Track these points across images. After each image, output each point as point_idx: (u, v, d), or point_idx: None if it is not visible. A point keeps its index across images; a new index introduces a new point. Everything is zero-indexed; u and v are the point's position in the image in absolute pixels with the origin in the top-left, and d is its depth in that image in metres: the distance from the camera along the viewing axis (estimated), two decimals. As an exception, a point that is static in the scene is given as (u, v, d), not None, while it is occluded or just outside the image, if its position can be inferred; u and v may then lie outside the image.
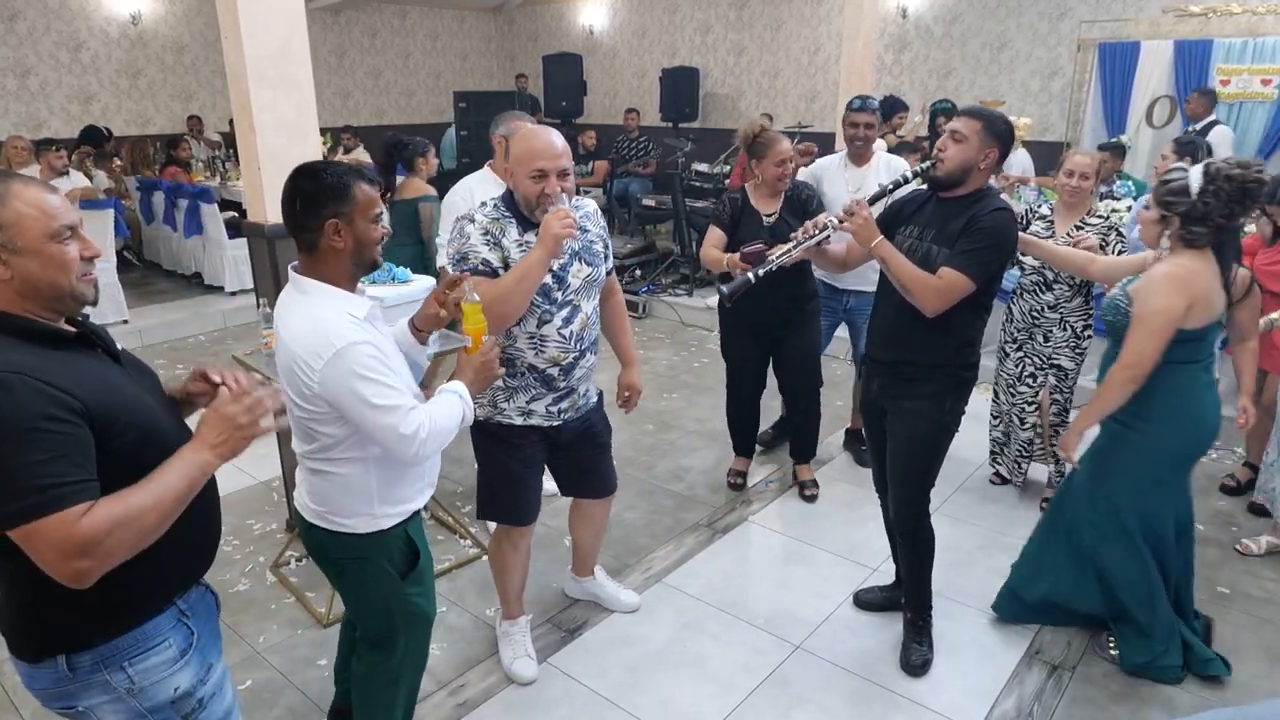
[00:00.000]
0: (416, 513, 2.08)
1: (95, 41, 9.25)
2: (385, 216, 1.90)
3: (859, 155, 3.92)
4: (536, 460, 2.55)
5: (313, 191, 1.77)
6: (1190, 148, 3.83)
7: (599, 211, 2.53)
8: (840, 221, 2.50)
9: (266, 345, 2.86)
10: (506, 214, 2.32)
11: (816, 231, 2.53)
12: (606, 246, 2.49)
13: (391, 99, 12.09)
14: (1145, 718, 2.55)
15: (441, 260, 3.34)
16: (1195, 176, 2.35)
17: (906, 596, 2.83)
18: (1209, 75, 6.97)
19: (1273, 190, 3.38)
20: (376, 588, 2.02)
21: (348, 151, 8.71)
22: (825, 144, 6.61)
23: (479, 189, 3.32)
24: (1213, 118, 6.62)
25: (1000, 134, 2.39)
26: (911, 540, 2.73)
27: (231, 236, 7.01)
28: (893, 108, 7.09)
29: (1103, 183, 5.60)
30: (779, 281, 3.24)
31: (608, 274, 2.52)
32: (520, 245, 2.30)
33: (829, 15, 9.52)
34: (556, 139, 2.25)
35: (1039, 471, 3.94)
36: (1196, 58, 7.00)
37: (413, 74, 12.26)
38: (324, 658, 2.80)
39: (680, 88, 10.03)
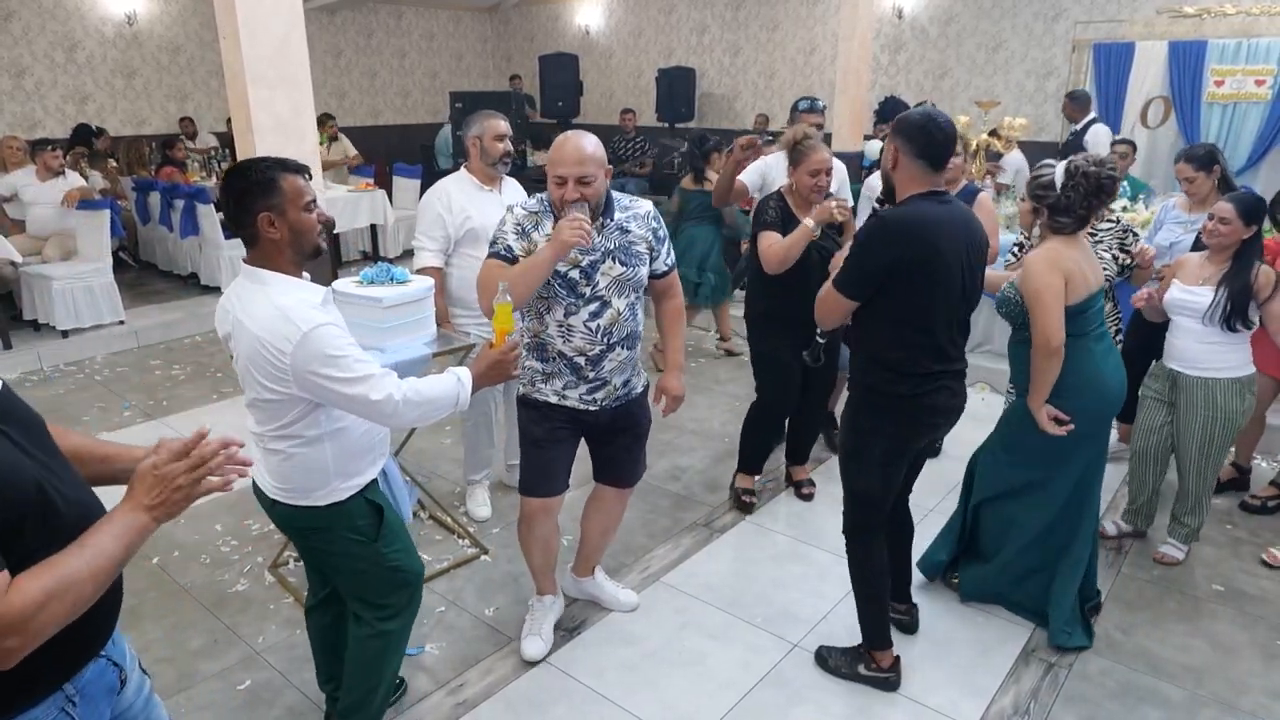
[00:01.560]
0: (373, 480, 2.18)
1: (90, 41, 9.23)
2: (321, 201, 2.02)
3: None
4: (562, 436, 2.61)
5: (242, 189, 1.86)
6: (1206, 160, 3.74)
7: (652, 215, 2.56)
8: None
9: None
10: (546, 209, 2.48)
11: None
12: (654, 250, 2.54)
13: (387, 99, 12.08)
14: (1141, 715, 2.57)
15: (423, 261, 3.34)
16: (1059, 173, 2.64)
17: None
18: (1203, 76, 7.01)
19: None
20: (345, 553, 2.12)
21: (334, 140, 8.70)
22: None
23: (455, 190, 3.32)
24: (1091, 116, 6.68)
25: (899, 129, 2.29)
26: (847, 553, 2.65)
27: (228, 237, 6.99)
28: (893, 109, 7.12)
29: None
30: (810, 303, 3.35)
31: (659, 276, 2.60)
32: (550, 239, 2.41)
33: (825, 16, 9.55)
34: (583, 146, 2.35)
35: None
36: (1191, 58, 7.02)
37: (409, 74, 12.26)
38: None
39: (676, 88, 10.05)
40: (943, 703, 2.61)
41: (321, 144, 8.32)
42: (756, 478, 3.84)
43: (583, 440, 2.71)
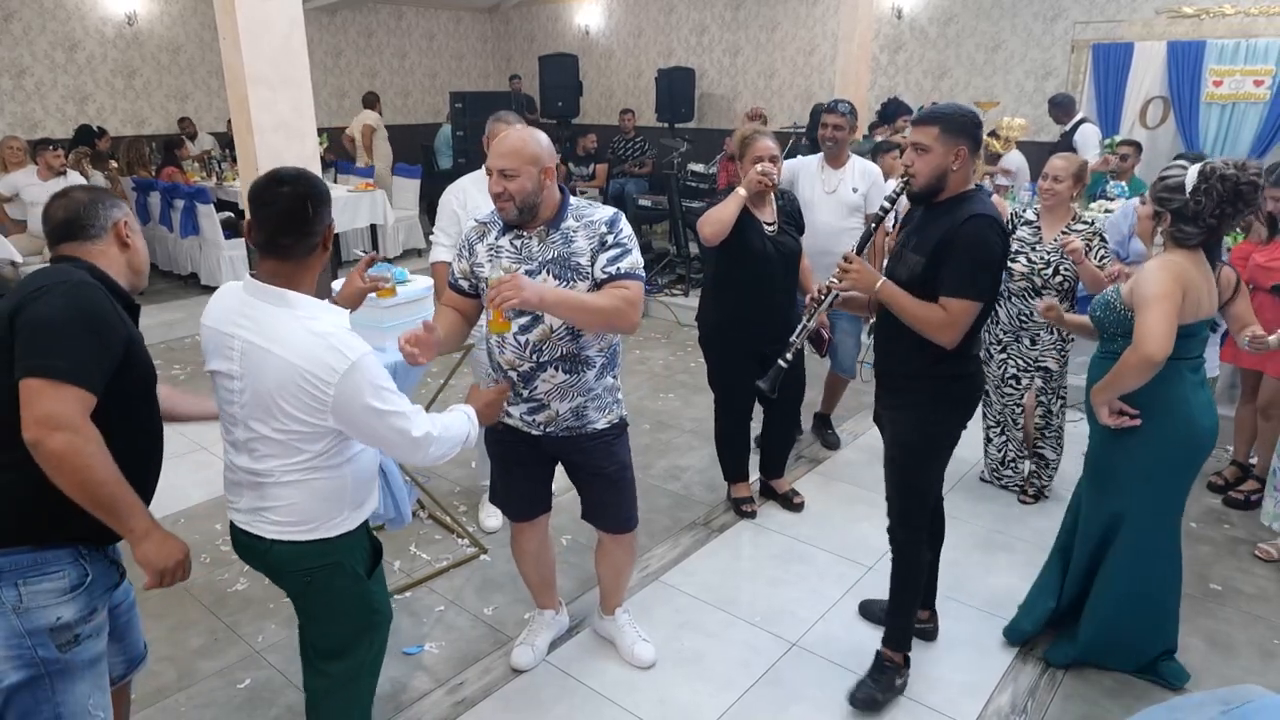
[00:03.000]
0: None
1: (91, 42, 9.24)
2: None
3: (834, 156, 4.00)
4: (520, 458, 2.51)
5: (313, 195, 1.78)
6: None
7: (605, 222, 2.27)
8: (840, 279, 2.43)
9: None
10: (495, 219, 2.35)
11: (822, 298, 2.54)
12: (594, 258, 2.24)
13: (388, 99, 12.06)
14: (1138, 713, 2.57)
15: (435, 256, 3.35)
16: (1191, 175, 2.36)
17: (887, 628, 2.66)
18: (1202, 76, 7.02)
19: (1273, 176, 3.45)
20: (344, 591, 1.98)
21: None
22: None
23: (473, 189, 3.34)
24: (1080, 116, 6.68)
25: (961, 127, 2.29)
26: (894, 551, 2.60)
27: (228, 237, 7.01)
28: (896, 110, 7.12)
29: (1115, 180, 5.63)
30: (769, 304, 3.41)
31: (599, 285, 2.25)
32: (491, 249, 2.32)
33: (824, 16, 9.55)
34: (512, 140, 2.21)
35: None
36: (1189, 59, 7.04)
37: (409, 74, 12.27)
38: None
39: (676, 88, 10.05)
40: (941, 701, 2.62)
41: (323, 144, 8.34)
42: (751, 482, 3.82)
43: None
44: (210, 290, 7.17)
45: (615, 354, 2.45)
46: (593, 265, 2.25)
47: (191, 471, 4.00)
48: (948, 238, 2.29)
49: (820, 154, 4.08)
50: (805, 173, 4.05)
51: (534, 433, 2.42)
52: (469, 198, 3.30)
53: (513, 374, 2.34)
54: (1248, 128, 6.96)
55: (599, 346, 2.35)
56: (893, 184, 3.92)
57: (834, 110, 3.98)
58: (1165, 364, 2.35)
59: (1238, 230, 3.57)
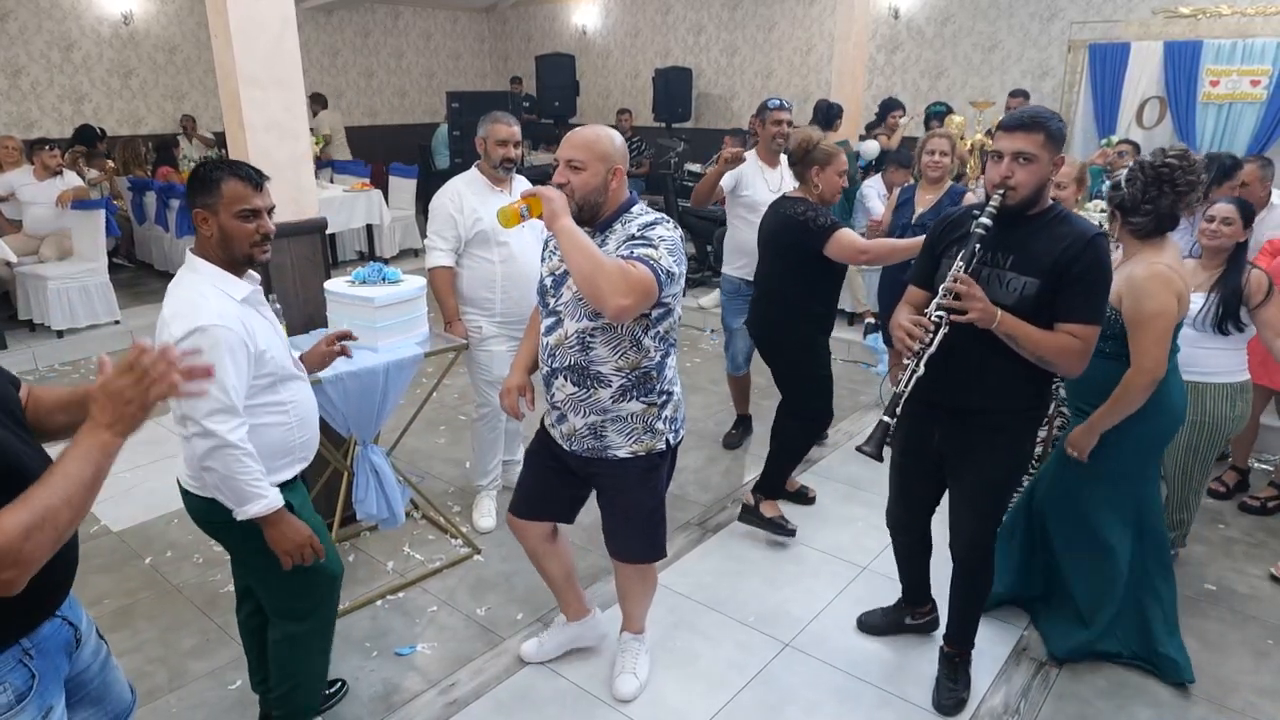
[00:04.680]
0: (296, 481, 2.19)
1: (87, 41, 9.23)
2: (267, 217, 2.03)
3: (775, 155, 4.02)
4: (543, 460, 2.47)
5: (191, 182, 1.99)
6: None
7: (643, 226, 2.15)
8: (951, 311, 2.13)
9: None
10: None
11: (931, 335, 2.16)
12: (629, 247, 2.13)
13: (384, 99, 12.08)
14: (1131, 713, 2.57)
15: (433, 261, 3.35)
16: (1126, 170, 2.52)
17: (952, 631, 2.64)
18: (1199, 76, 7.02)
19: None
20: (255, 551, 2.06)
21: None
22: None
23: (466, 191, 3.33)
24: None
25: (1062, 134, 2.14)
26: (973, 578, 2.54)
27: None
28: (888, 107, 7.11)
29: (1111, 179, 5.63)
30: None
31: None
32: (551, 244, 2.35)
33: (821, 16, 9.56)
34: (584, 133, 2.21)
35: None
36: (1186, 59, 7.04)
37: (406, 74, 12.26)
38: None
39: (673, 88, 10.06)
40: (933, 700, 2.62)
41: (316, 143, 8.34)
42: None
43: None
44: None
45: (646, 380, 2.25)
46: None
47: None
48: (1071, 258, 2.10)
49: (754, 154, 4.08)
50: (749, 175, 4.03)
51: (559, 440, 2.36)
52: (464, 200, 3.30)
53: (543, 370, 2.35)
54: (1244, 127, 6.96)
55: (615, 365, 2.21)
56: (972, 197, 3.86)
57: (783, 108, 4.01)
58: None
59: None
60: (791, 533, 3.50)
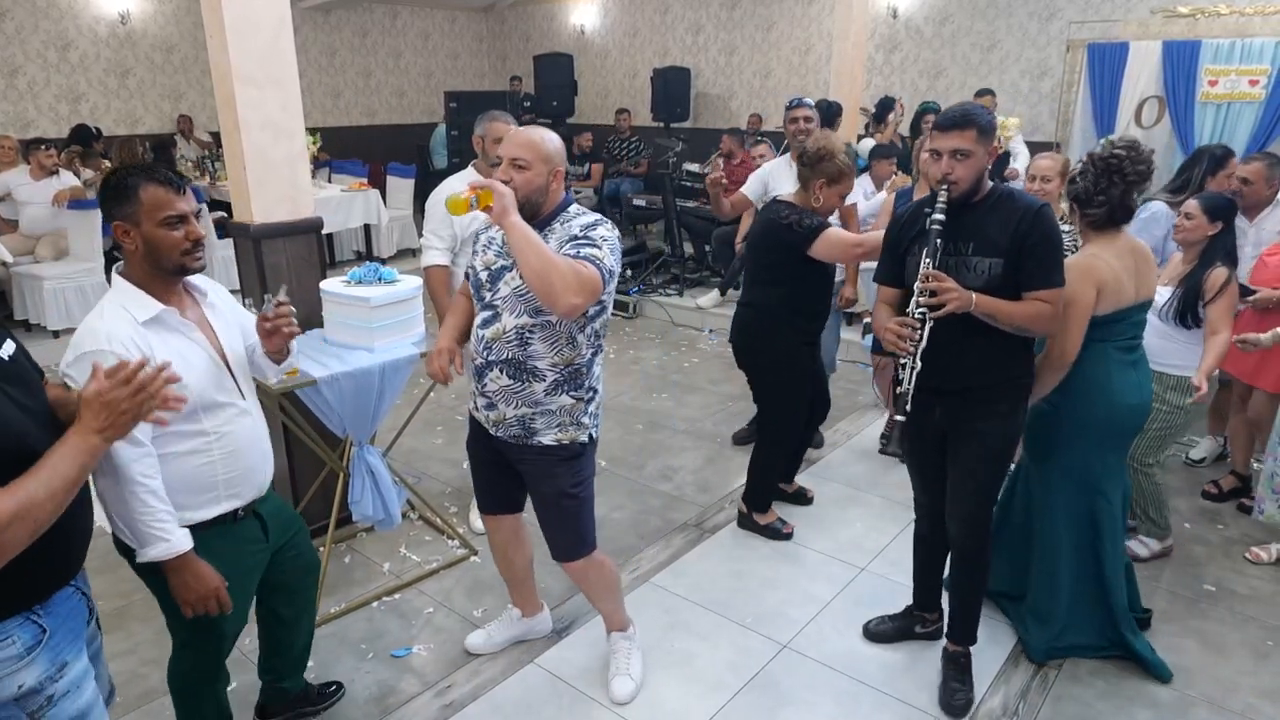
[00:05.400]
0: (229, 520, 2.03)
1: (84, 40, 9.21)
2: (200, 222, 1.92)
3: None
4: (482, 453, 2.52)
5: (103, 195, 1.86)
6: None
7: (585, 227, 2.22)
8: (931, 308, 2.23)
9: None
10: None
11: (919, 331, 2.26)
12: (574, 246, 2.18)
13: (382, 98, 12.06)
14: (1130, 715, 2.56)
15: (429, 260, 3.33)
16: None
17: (953, 626, 2.67)
18: (1197, 76, 7.01)
19: None
20: (156, 588, 1.96)
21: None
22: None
23: (462, 189, 3.31)
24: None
25: (991, 125, 2.28)
26: (973, 564, 2.58)
27: (220, 236, 6.98)
28: (886, 108, 7.11)
29: None
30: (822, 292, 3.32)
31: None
32: (487, 241, 2.39)
33: (820, 16, 9.55)
34: (528, 133, 2.27)
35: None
36: (1184, 58, 7.03)
37: (404, 74, 12.24)
38: (310, 659, 2.78)
39: (672, 88, 10.04)
40: (930, 703, 2.61)
41: (314, 143, 8.32)
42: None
43: None
44: (203, 290, 7.16)
45: (577, 375, 2.31)
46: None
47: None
48: (1022, 232, 2.25)
49: (787, 154, 4.07)
50: (778, 175, 4.01)
51: (488, 429, 2.41)
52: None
53: (475, 360, 2.37)
54: (1243, 127, 6.95)
55: (551, 361, 2.27)
56: (881, 193, 3.86)
57: (803, 105, 4.01)
58: (1090, 347, 2.50)
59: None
60: (788, 536, 3.50)
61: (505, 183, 2.16)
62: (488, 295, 2.30)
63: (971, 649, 2.67)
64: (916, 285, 2.27)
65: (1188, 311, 3.11)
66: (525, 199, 2.20)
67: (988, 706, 2.59)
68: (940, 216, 2.27)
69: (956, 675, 2.63)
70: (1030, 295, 2.28)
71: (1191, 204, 3.15)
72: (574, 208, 2.32)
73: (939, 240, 2.28)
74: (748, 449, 4.10)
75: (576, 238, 2.20)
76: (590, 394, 2.38)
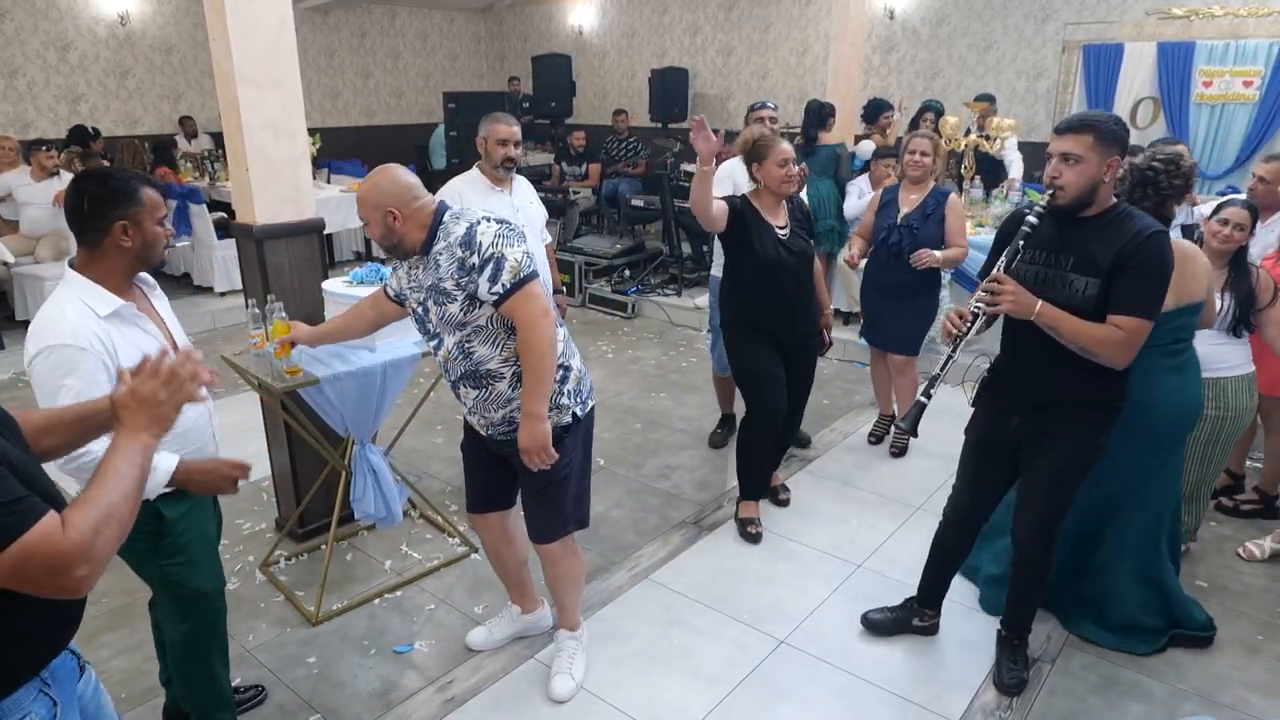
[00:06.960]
0: (180, 494, 2.07)
1: (83, 41, 9.22)
2: (169, 220, 2.02)
3: None
4: (476, 454, 2.59)
5: (101, 194, 1.89)
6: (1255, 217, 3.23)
7: (460, 241, 2.18)
8: (989, 304, 2.26)
9: (255, 346, 2.88)
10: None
11: (968, 325, 2.31)
12: (462, 282, 2.18)
13: (381, 99, 12.08)
14: (1123, 709, 2.60)
15: None
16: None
17: (1010, 617, 2.71)
18: (1192, 77, 7.06)
19: None
20: (130, 555, 2.10)
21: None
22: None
23: (467, 190, 3.34)
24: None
25: (1115, 135, 2.16)
26: (1034, 567, 2.59)
27: (221, 237, 7.01)
28: (877, 109, 7.13)
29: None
30: (784, 306, 3.34)
31: (497, 304, 2.19)
32: (409, 271, 2.41)
33: (817, 17, 9.58)
34: (358, 192, 2.28)
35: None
36: (1179, 59, 7.08)
37: (402, 74, 12.26)
38: (313, 655, 2.82)
39: (669, 88, 10.07)
40: (927, 698, 2.64)
41: (315, 144, 8.34)
42: (760, 503, 3.65)
43: None
44: (202, 290, 7.18)
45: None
46: (475, 290, 2.17)
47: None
48: (1128, 253, 2.15)
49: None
50: (742, 174, 4.04)
51: (479, 430, 2.49)
52: (464, 199, 3.31)
53: (449, 383, 2.45)
54: (1237, 128, 7.01)
55: (500, 359, 2.29)
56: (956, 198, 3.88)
57: (766, 107, 4.08)
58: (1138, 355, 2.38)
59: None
60: (753, 538, 3.50)
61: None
62: (431, 325, 2.35)
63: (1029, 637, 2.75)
64: (983, 283, 2.27)
65: (1242, 322, 3.06)
66: (383, 245, 2.29)
67: (982, 700, 2.63)
68: (1034, 219, 2.23)
69: (1010, 656, 2.70)
70: (1111, 319, 2.17)
71: (1243, 214, 3.03)
72: (448, 215, 2.25)
73: (1021, 243, 2.26)
74: (731, 449, 4.13)
75: (473, 265, 2.16)
76: (561, 373, 2.35)
